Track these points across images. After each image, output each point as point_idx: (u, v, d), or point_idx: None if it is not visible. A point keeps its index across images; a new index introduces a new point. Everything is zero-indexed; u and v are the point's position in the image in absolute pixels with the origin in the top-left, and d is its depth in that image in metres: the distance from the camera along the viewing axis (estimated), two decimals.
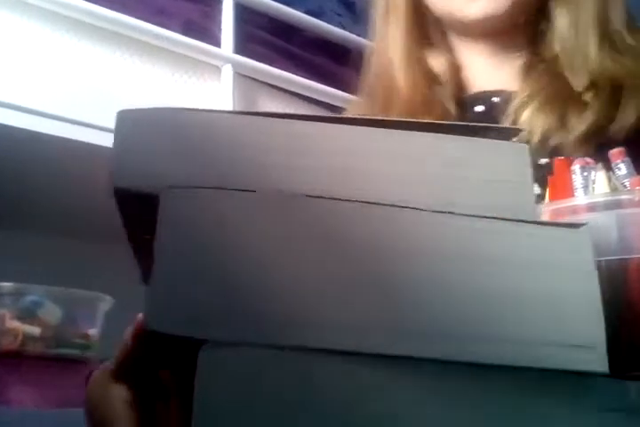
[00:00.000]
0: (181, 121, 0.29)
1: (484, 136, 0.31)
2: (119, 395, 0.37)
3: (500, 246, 0.28)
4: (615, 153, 0.38)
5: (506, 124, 0.61)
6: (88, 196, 1.27)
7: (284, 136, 0.29)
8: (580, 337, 0.27)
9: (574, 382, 0.27)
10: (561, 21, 0.64)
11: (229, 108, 1.23)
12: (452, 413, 0.26)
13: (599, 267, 0.33)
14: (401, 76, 0.68)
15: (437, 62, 0.70)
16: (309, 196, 0.27)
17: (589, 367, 0.26)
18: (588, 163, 0.37)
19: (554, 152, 0.55)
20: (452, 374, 0.27)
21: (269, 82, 1.29)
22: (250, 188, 0.27)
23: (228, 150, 0.29)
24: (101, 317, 1.23)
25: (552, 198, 0.37)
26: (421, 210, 0.28)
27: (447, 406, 0.26)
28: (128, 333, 0.36)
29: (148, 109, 0.29)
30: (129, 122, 0.28)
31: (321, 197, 0.27)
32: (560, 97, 0.60)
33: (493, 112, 0.65)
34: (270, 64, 1.28)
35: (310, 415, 0.25)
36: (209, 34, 1.22)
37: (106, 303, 1.23)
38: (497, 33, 0.67)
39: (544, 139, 0.58)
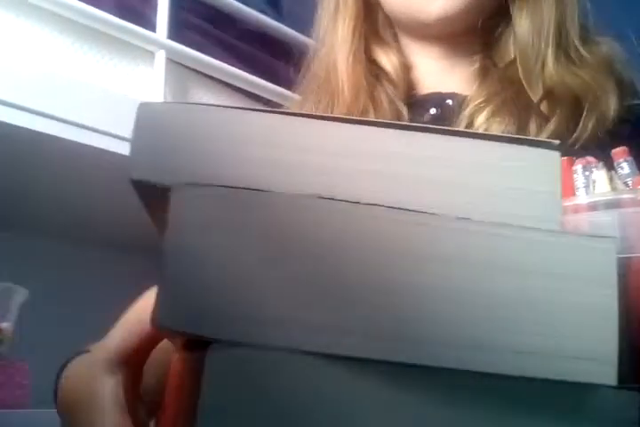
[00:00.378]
0: (199, 117, 0.28)
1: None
2: (117, 390, 0.33)
3: (517, 254, 0.27)
4: (618, 152, 0.38)
5: (460, 127, 0.61)
6: (4, 184, 1.20)
7: (309, 136, 0.29)
8: (592, 350, 0.26)
9: (576, 392, 0.27)
10: (522, 27, 0.64)
11: (160, 94, 1.19)
12: (451, 421, 0.26)
13: None
14: (346, 73, 0.67)
15: (388, 60, 0.69)
16: (322, 197, 0.27)
17: (598, 380, 0.26)
18: (589, 162, 0.37)
19: None
20: (453, 383, 0.26)
21: (203, 71, 1.26)
22: (266, 187, 0.27)
23: (245, 148, 0.28)
24: (15, 309, 1.16)
25: None
26: (435, 215, 0.27)
27: (450, 416, 0.26)
28: (141, 306, 0.33)
29: (169, 104, 0.29)
30: (148, 115, 0.28)
31: (331, 198, 0.27)
32: (518, 103, 0.61)
33: (446, 115, 0.65)
34: (204, 53, 1.25)
35: (308, 419, 0.25)
36: (144, 17, 1.17)
37: (20, 295, 1.17)
38: (450, 36, 0.67)
39: None
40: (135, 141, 0.28)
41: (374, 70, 0.68)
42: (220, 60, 1.28)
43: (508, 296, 0.26)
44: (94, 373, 0.35)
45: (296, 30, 1.43)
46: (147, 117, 0.28)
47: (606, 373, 0.26)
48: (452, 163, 0.29)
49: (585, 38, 0.65)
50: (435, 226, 0.27)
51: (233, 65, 1.30)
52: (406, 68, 0.70)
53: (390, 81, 0.68)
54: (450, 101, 0.66)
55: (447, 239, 0.27)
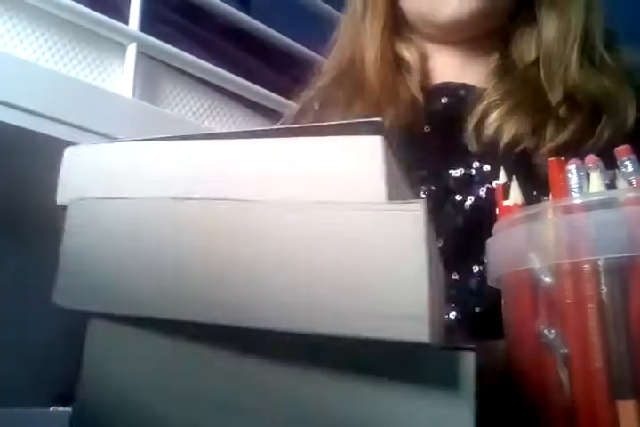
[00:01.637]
0: (114, 150, 0.35)
1: (355, 132, 0.32)
2: None
3: (331, 226, 0.30)
4: (621, 150, 0.37)
5: (471, 120, 0.61)
6: None
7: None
8: (405, 309, 0.27)
9: (403, 352, 0.29)
10: (548, 31, 0.65)
11: (129, 87, 1.17)
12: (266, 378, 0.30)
13: (608, 264, 0.34)
14: (374, 69, 0.68)
15: (408, 53, 0.70)
16: (176, 198, 0.32)
17: (413, 338, 0.27)
18: (583, 163, 0.37)
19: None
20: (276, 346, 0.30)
21: (174, 64, 1.24)
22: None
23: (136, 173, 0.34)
24: None
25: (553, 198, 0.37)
26: (258, 201, 0.31)
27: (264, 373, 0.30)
28: None
29: (94, 145, 0.35)
30: (74, 154, 0.35)
31: (186, 198, 0.32)
32: (534, 104, 0.61)
33: (458, 105, 0.65)
34: (176, 46, 1.23)
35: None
36: (116, 9, 1.15)
37: None
38: (466, 41, 0.68)
39: (514, 142, 0.59)
40: (61, 173, 0.35)
41: (397, 61, 0.70)
42: (193, 54, 1.26)
43: (322, 263, 0.29)
44: None
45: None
46: (71, 155, 0.35)
47: (420, 331, 0.27)
48: (279, 160, 0.33)
49: (609, 45, 0.65)
50: (258, 210, 0.30)
51: (205, 60, 1.28)
52: (424, 58, 0.71)
53: (409, 70, 0.70)
54: (462, 92, 0.67)
55: (266, 220, 0.30)
